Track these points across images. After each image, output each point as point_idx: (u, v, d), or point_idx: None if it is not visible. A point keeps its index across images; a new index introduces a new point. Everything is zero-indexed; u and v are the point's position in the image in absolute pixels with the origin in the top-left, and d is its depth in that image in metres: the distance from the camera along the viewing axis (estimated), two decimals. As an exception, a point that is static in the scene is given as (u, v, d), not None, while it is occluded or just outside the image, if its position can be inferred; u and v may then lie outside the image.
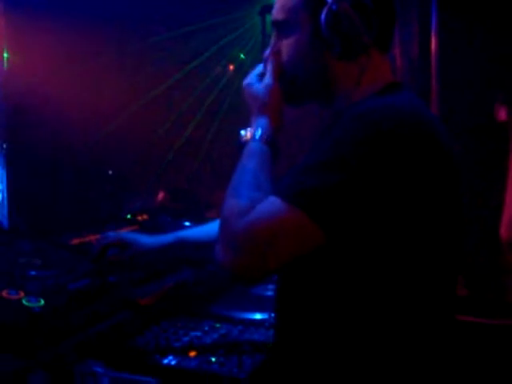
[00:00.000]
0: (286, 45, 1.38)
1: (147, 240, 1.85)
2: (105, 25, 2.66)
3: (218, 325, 1.88)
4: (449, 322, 1.34)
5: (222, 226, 1.23)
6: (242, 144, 1.37)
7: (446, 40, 2.77)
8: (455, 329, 1.34)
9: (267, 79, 1.42)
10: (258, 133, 1.35)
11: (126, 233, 2.06)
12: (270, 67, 1.43)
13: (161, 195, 2.74)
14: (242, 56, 3.00)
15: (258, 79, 1.44)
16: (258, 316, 1.96)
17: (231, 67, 3.07)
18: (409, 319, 1.25)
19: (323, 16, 1.29)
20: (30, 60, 2.47)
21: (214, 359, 1.62)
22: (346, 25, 1.28)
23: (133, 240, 1.84)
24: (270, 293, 2.03)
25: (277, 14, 1.39)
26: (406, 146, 1.18)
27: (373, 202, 1.17)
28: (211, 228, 1.81)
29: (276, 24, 1.40)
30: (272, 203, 1.18)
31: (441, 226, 1.25)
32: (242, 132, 1.40)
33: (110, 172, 2.81)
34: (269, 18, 1.50)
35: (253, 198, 1.21)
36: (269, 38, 1.46)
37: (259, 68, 1.47)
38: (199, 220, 2.00)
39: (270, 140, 1.34)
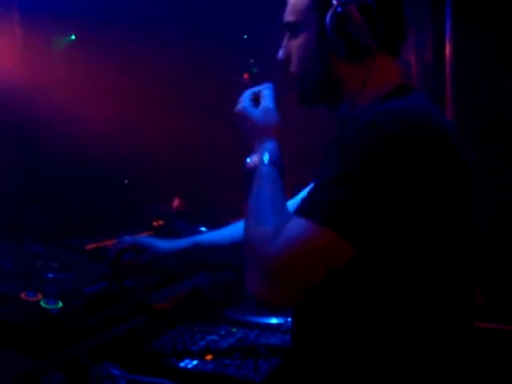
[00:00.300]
0: (295, 45, 1.40)
1: (163, 244, 1.85)
2: (119, 33, 2.67)
3: (234, 329, 1.89)
4: (467, 329, 1.33)
5: (251, 255, 1.22)
6: (249, 170, 1.37)
7: (460, 45, 2.78)
8: (473, 335, 1.33)
9: (266, 103, 1.43)
10: (266, 157, 1.35)
11: (141, 237, 2.06)
12: (267, 92, 1.45)
13: (176, 201, 2.75)
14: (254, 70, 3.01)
15: (252, 103, 1.45)
16: (274, 320, 1.96)
17: (245, 76, 3.08)
18: (429, 327, 1.24)
19: (328, 18, 1.30)
20: (45, 70, 2.49)
21: (230, 363, 1.63)
22: (351, 27, 1.29)
23: (149, 244, 1.84)
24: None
25: (288, 15, 1.41)
26: (416, 148, 1.17)
27: (389, 207, 1.16)
28: (227, 232, 1.82)
29: (287, 26, 1.42)
30: (296, 225, 1.17)
31: (453, 229, 1.24)
32: (248, 159, 1.39)
33: (126, 181, 2.83)
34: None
35: (276, 223, 1.21)
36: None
37: (250, 92, 1.48)
38: (215, 225, 2.00)
39: (279, 163, 1.35)
